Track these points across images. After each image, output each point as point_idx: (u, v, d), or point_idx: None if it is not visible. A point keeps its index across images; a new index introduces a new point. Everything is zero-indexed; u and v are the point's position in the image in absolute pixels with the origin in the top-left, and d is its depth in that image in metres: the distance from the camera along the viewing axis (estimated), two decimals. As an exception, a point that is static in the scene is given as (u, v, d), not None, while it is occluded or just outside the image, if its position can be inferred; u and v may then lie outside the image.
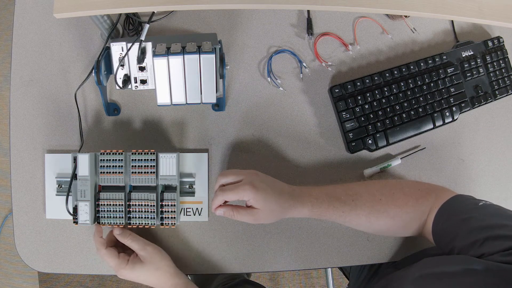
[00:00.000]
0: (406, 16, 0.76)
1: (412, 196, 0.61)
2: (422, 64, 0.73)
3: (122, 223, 0.64)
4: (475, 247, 0.49)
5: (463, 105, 0.74)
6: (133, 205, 0.64)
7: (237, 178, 0.61)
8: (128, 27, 0.71)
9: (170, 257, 0.65)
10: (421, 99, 0.73)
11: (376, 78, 0.72)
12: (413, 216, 0.60)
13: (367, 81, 0.72)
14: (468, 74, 0.75)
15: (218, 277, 0.93)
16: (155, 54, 0.59)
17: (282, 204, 0.60)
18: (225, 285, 0.86)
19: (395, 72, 0.72)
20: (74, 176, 0.64)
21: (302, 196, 0.61)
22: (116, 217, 0.64)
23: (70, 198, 0.64)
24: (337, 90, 0.71)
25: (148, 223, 0.64)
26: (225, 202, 0.61)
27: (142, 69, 0.63)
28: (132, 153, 0.64)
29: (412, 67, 0.73)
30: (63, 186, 0.67)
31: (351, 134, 0.70)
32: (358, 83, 0.71)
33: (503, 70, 0.77)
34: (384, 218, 0.61)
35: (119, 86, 0.64)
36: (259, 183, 0.59)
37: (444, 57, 0.75)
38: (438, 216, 0.57)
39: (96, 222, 0.64)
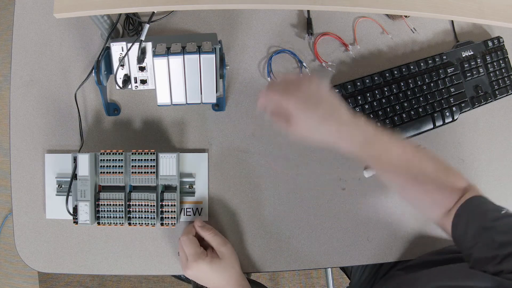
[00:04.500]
0: (406, 16, 0.76)
1: (446, 186, 0.56)
2: (422, 64, 0.73)
3: (122, 223, 0.64)
4: (494, 262, 0.47)
5: (463, 105, 0.74)
6: (133, 205, 0.64)
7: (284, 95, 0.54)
8: (128, 27, 0.71)
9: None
10: (421, 99, 0.73)
11: (376, 78, 0.72)
12: (439, 201, 0.57)
13: (367, 81, 0.71)
14: (468, 74, 0.75)
15: (218, 277, 0.93)
16: (155, 54, 0.59)
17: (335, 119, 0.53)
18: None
19: (395, 72, 0.72)
20: (74, 176, 0.64)
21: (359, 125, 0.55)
22: (116, 217, 0.64)
23: (70, 198, 0.64)
24: (337, 90, 0.71)
25: (148, 223, 0.64)
26: None
27: (142, 69, 0.63)
28: (132, 153, 0.64)
29: (412, 67, 0.73)
30: (63, 186, 0.67)
31: (351, 134, 0.70)
32: (358, 83, 0.71)
33: (503, 70, 0.77)
34: (417, 189, 0.57)
35: (119, 86, 0.64)
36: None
37: (444, 57, 0.75)
38: (457, 217, 0.54)
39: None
